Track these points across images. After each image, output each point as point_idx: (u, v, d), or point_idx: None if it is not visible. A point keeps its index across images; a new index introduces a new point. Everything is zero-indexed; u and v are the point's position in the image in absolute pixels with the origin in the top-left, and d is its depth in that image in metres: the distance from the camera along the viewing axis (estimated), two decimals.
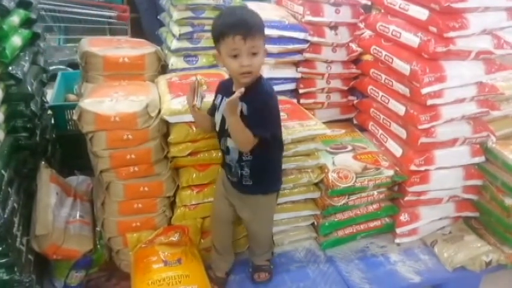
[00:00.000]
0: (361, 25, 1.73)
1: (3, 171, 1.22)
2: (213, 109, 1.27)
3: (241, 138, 1.15)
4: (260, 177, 1.25)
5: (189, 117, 1.33)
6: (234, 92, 1.10)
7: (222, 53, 1.14)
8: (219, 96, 1.24)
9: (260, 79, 1.19)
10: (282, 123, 1.28)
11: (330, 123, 1.75)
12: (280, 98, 1.40)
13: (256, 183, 1.25)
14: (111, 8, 2.56)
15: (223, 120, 1.20)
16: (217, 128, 1.25)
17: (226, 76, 1.55)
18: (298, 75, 1.73)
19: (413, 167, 1.52)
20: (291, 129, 1.45)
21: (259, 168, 1.23)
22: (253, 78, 1.15)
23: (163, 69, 1.60)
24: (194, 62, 1.60)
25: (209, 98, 1.30)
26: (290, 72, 1.71)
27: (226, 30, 1.09)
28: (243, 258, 1.53)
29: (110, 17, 2.56)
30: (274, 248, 1.53)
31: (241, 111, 1.13)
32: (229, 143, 1.21)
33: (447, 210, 1.67)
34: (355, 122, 1.88)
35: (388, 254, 1.60)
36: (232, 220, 1.38)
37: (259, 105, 1.15)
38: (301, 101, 1.75)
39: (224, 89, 1.24)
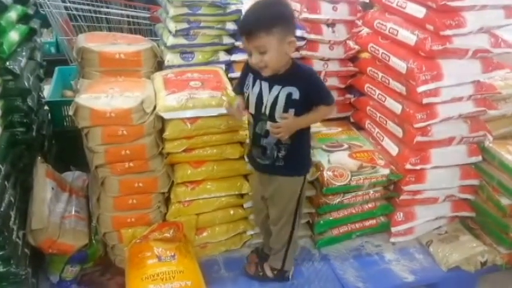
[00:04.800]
0: (359, 22, 1.72)
1: (0, 166, 1.23)
2: (241, 86, 1.29)
3: (322, 118, 1.34)
4: (293, 159, 1.27)
5: (184, 114, 1.34)
6: (268, 77, 1.18)
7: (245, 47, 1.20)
8: (250, 76, 1.24)
9: (294, 63, 1.23)
10: None
11: (326, 121, 1.75)
12: None
13: (288, 165, 1.27)
14: (149, 9, 2.56)
15: (259, 102, 1.22)
16: (252, 111, 1.26)
17: (221, 73, 1.56)
18: None
19: (409, 166, 1.52)
20: None
21: (295, 151, 1.26)
22: (275, 70, 1.18)
23: (160, 65, 1.60)
24: (190, 59, 1.60)
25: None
26: None
27: (239, 30, 1.21)
28: (237, 255, 1.54)
29: (144, 18, 2.57)
30: (289, 269, 1.45)
31: (292, 99, 1.18)
32: (269, 126, 1.23)
33: (443, 209, 1.66)
34: (351, 120, 1.87)
35: (383, 253, 1.60)
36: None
37: (312, 80, 1.23)
38: None
39: (255, 70, 1.22)
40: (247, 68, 1.26)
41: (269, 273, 1.44)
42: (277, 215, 1.34)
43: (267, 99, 1.21)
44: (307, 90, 1.19)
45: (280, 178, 1.29)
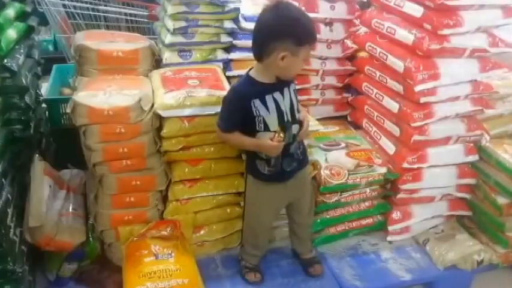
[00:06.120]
0: (357, 22, 1.72)
1: None
2: (237, 120, 1.23)
3: None
4: (303, 149, 1.35)
5: (181, 112, 1.34)
6: (271, 85, 1.22)
7: (300, 56, 1.17)
8: (254, 100, 1.19)
9: None
10: None
11: (324, 120, 1.75)
12: None
13: (304, 155, 1.36)
14: (147, 7, 2.56)
15: (280, 114, 1.22)
16: (275, 128, 1.22)
17: (219, 71, 1.56)
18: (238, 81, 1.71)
19: (405, 165, 1.52)
20: None
21: (301, 141, 1.33)
22: None
23: (158, 63, 1.60)
24: (188, 57, 1.60)
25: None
26: None
27: (315, 38, 1.19)
28: (234, 254, 1.54)
29: (142, 16, 2.56)
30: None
31: (295, 92, 1.27)
32: (294, 129, 1.26)
33: (440, 208, 1.67)
34: (349, 119, 1.87)
35: (380, 251, 1.60)
36: None
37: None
38: None
39: (254, 92, 1.21)
40: (245, 96, 1.21)
41: (317, 259, 1.50)
42: (309, 204, 1.43)
43: (285, 106, 1.23)
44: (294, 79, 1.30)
45: (303, 171, 1.36)
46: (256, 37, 1.19)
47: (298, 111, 1.27)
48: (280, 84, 1.22)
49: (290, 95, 1.24)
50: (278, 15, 1.14)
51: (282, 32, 1.13)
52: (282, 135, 1.21)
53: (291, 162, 1.29)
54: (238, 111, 1.22)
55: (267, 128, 1.22)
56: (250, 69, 1.26)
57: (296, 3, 1.67)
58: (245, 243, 1.48)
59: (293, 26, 1.15)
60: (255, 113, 1.21)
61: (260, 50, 1.18)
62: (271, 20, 1.16)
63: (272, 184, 1.32)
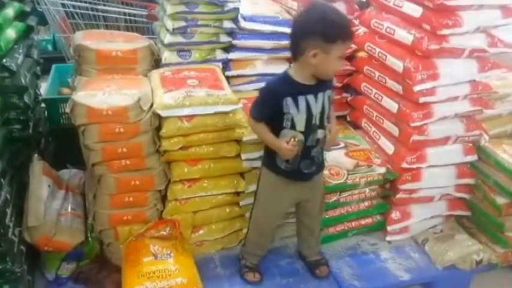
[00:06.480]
0: (356, 22, 1.72)
1: None
2: (268, 113, 1.25)
3: None
4: (323, 154, 1.37)
5: (180, 112, 1.34)
6: (307, 86, 1.23)
7: (333, 53, 1.17)
8: (287, 98, 1.22)
9: None
10: None
11: None
12: None
13: (322, 161, 1.38)
14: (146, 7, 2.56)
15: (309, 116, 1.24)
16: (301, 129, 1.24)
17: (218, 71, 1.56)
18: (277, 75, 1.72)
19: (405, 165, 1.53)
20: None
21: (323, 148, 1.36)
22: None
23: (157, 63, 1.60)
24: (187, 57, 1.59)
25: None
26: (283, 68, 1.66)
27: (348, 35, 1.19)
28: (233, 253, 1.54)
29: (141, 16, 2.57)
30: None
31: (330, 99, 1.29)
32: (319, 134, 1.27)
33: (439, 208, 1.67)
34: (348, 119, 1.87)
35: (379, 251, 1.60)
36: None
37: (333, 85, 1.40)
38: None
39: (289, 90, 1.23)
40: (278, 93, 1.23)
41: (324, 261, 1.51)
42: (319, 208, 1.44)
43: (316, 110, 1.24)
44: (332, 88, 1.33)
45: (320, 175, 1.38)
46: (291, 37, 1.26)
47: (328, 118, 1.28)
48: (317, 88, 1.24)
49: (324, 100, 1.25)
50: (309, 14, 1.21)
51: (312, 29, 1.17)
52: (297, 141, 1.23)
53: (309, 164, 1.30)
54: (269, 106, 1.26)
55: (293, 127, 1.25)
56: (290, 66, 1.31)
57: (295, 3, 1.69)
58: (248, 241, 1.47)
59: (322, 23, 1.17)
60: (284, 110, 1.23)
61: (294, 49, 1.23)
62: (303, 19, 1.23)
63: (286, 180, 1.33)
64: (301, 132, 1.25)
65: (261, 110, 1.28)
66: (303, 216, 1.45)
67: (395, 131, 1.56)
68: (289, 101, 1.23)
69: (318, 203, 1.42)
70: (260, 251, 1.47)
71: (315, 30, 1.16)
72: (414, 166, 1.53)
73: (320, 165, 1.36)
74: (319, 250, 1.52)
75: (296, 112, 1.23)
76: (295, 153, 1.24)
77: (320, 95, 1.24)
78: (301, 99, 1.23)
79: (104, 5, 2.54)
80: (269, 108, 1.25)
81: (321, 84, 1.24)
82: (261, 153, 1.45)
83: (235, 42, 1.62)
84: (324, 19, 1.17)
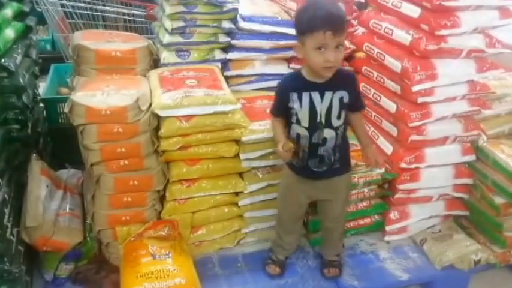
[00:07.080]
0: (354, 22, 1.72)
1: None
2: (280, 108, 1.28)
3: None
4: (344, 158, 1.34)
5: (179, 112, 1.34)
6: (313, 84, 1.21)
7: (307, 45, 1.16)
8: (292, 94, 1.23)
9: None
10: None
11: None
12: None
13: (342, 164, 1.33)
14: (145, 7, 2.56)
15: (312, 113, 1.23)
16: (305, 124, 1.25)
17: (217, 71, 1.57)
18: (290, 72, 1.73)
19: (403, 165, 1.53)
20: None
21: (344, 150, 1.34)
22: (335, 71, 1.20)
23: (155, 63, 1.60)
24: (186, 57, 1.60)
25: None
26: (282, 69, 1.70)
27: (317, 24, 1.12)
28: (231, 253, 1.54)
29: (140, 16, 2.57)
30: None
31: (344, 103, 1.24)
32: (326, 133, 1.25)
33: (437, 208, 1.67)
34: None
35: (378, 251, 1.60)
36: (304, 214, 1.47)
37: (356, 84, 1.31)
38: None
39: (295, 85, 1.24)
40: (286, 88, 1.26)
41: (342, 259, 1.51)
42: (340, 210, 1.42)
43: (321, 108, 1.23)
44: (354, 94, 1.26)
45: (337, 178, 1.34)
46: None
47: (338, 118, 1.25)
48: (325, 86, 1.22)
49: (332, 100, 1.22)
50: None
51: (295, 25, 1.20)
52: (291, 145, 1.23)
53: (318, 163, 1.29)
54: (280, 100, 1.29)
55: (298, 122, 1.26)
56: None
57: (293, 4, 1.68)
58: (275, 234, 1.50)
59: (297, 16, 1.20)
60: (290, 105, 1.25)
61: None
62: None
63: (298, 176, 1.34)
64: (305, 128, 1.26)
65: (275, 105, 1.32)
66: (322, 216, 1.46)
67: (393, 131, 1.57)
68: (294, 96, 1.24)
69: (337, 205, 1.39)
70: (287, 245, 1.48)
71: (295, 25, 1.20)
72: (413, 166, 1.53)
73: (336, 168, 1.31)
74: (338, 252, 1.50)
75: (299, 107, 1.24)
76: (289, 157, 1.25)
77: (328, 94, 1.22)
78: (305, 96, 1.23)
79: (103, 5, 2.54)
80: (280, 103, 1.29)
81: (331, 84, 1.22)
82: (259, 153, 1.46)
83: (234, 42, 1.62)
84: (302, 11, 1.18)
